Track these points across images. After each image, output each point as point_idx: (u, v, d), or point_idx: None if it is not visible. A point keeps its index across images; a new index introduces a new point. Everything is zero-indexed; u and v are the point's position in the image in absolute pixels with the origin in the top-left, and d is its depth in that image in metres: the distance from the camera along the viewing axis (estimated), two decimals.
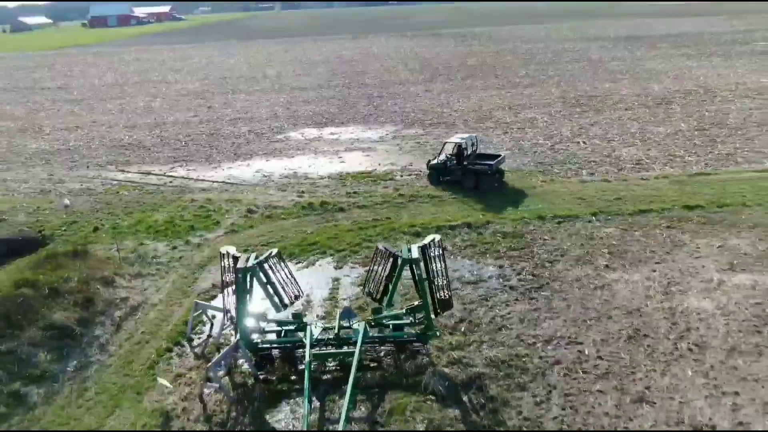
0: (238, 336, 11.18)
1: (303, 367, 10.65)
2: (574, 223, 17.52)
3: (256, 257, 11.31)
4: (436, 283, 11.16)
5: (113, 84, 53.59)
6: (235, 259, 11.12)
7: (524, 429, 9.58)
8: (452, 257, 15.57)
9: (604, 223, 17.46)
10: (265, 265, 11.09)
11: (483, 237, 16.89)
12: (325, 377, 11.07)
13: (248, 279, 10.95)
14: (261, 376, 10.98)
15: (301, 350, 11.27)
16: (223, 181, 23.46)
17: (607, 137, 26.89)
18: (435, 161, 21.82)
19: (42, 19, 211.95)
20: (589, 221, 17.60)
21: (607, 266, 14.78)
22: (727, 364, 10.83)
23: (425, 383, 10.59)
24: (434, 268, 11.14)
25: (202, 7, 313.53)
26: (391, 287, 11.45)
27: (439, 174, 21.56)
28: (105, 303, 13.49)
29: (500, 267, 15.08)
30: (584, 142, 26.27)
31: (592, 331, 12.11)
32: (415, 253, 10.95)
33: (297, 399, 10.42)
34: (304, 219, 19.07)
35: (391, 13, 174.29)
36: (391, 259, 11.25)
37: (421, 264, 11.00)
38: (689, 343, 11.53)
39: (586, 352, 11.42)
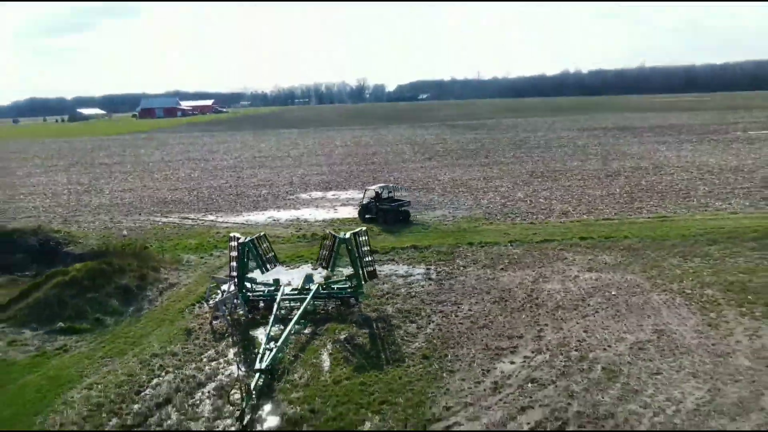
0: (236, 289, 17.55)
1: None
2: (493, 247, 23.69)
3: (254, 237, 17.92)
4: (363, 259, 17.49)
5: (160, 161, 62.75)
6: (237, 239, 17.70)
7: (424, 356, 15.50)
8: (396, 263, 21.87)
9: (515, 247, 23.60)
10: (256, 242, 17.64)
11: (423, 254, 23.15)
12: (289, 316, 17.19)
13: (244, 250, 17.46)
14: (249, 315, 17.22)
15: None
16: (242, 223, 30.45)
17: (550, 198, 33.33)
18: (362, 203, 29.85)
19: (97, 111, 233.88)
20: (504, 246, 23.77)
21: (502, 269, 20.82)
22: (548, 314, 16.63)
23: (351, 318, 16.68)
24: (362, 249, 17.51)
25: (243, 101, 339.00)
26: (333, 258, 17.82)
27: (365, 212, 29.39)
28: (153, 279, 20.13)
29: (427, 269, 21.24)
30: (530, 201, 32.73)
31: (473, 299, 18.03)
32: (347, 236, 17.40)
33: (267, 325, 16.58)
34: (297, 243, 25.73)
35: (414, 108, 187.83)
36: (332, 239, 17.74)
37: (353, 245, 17.40)
38: (532, 304, 17.38)
39: (462, 307, 17.32)
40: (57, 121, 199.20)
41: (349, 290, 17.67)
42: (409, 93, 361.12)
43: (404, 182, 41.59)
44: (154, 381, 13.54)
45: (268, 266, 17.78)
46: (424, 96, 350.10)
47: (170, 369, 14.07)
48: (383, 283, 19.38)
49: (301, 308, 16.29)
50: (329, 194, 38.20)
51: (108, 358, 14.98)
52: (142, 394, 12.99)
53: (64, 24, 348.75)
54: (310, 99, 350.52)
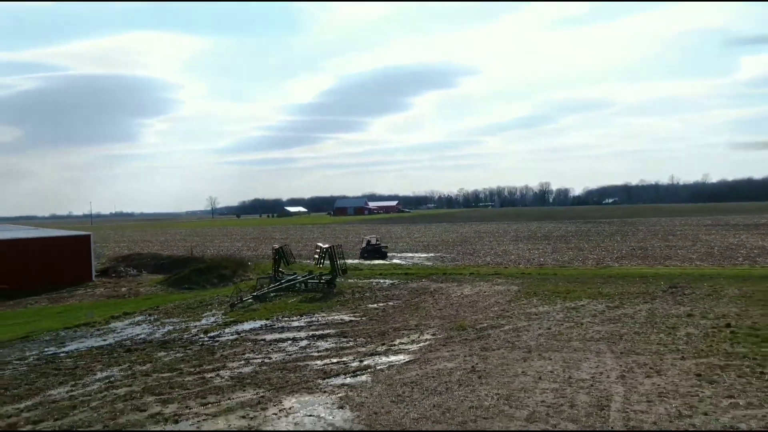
0: (275, 276, 30.73)
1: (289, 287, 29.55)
2: (442, 275, 33.78)
3: (280, 246, 31.20)
4: (338, 261, 29.59)
5: (319, 236, 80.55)
6: (275, 248, 31.09)
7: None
8: (374, 278, 33.31)
9: (503, 278, 33.40)
10: (282, 249, 30.81)
11: (394, 274, 34.18)
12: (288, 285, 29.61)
13: (279, 253, 30.70)
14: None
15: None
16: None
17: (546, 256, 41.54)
18: (362, 247, 46.51)
19: (300, 209, 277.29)
20: (452, 275, 33.69)
21: (437, 281, 31.08)
22: (455, 302, 26.82)
23: (327, 291, 28.75)
24: (337, 255, 29.66)
25: (429, 204, 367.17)
26: (328, 261, 30.12)
27: (363, 254, 44.97)
28: (240, 274, 34.38)
29: (391, 282, 32.34)
30: (526, 259, 41.36)
31: (412, 294, 28.79)
32: (326, 246, 29.76)
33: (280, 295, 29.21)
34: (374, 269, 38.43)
35: (586, 210, 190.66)
36: (322, 249, 30.23)
37: (332, 252, 29.62)
38: (445, 297, 27.61)
39: (404, 296, 28.25)
40: (268, 216, 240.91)
41: (329, 278, 29.77)
42: (596, 197, 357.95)
43: (473, 253, 52.22)
44: (212, 300, 27.10)
45: (289, 261, 30.86)
46: (610, 200, 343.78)
47: (217, 298, 27.57)
48: (363, 284, 31.12)
49: (297, 282, 28.89)
50: (419, 253, 50.42)
51: (199, 296, 29.04)
52: (205, 303, 26.54)
53: (296, 138, 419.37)
54: (493, 202, 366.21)
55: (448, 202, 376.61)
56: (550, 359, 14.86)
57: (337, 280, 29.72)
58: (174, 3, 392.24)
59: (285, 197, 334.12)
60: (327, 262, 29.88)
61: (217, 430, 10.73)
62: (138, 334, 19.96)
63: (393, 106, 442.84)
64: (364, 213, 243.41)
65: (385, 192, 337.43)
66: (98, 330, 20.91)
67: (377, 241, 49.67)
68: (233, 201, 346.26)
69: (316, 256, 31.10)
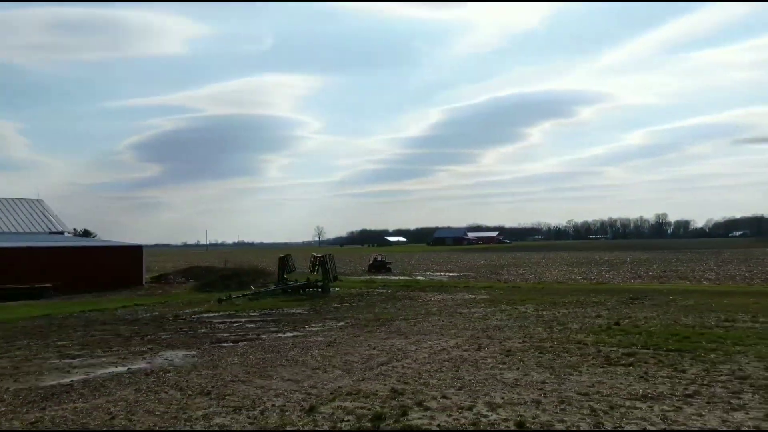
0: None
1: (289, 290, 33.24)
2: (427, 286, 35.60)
3: (285, 255, 35.00)
4: (330, 269, 32.83)
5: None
6: (280, 257, 35.00)
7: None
8: (380, 287, 35.91)
9: (475, 292, 35.05)
10: (286, 258, 34.60)
11: (393, 284, 36.52)
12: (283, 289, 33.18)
13: (281, 261, 34.58)
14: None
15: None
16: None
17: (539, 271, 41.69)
18: (369, 263, 54.84)
19: (399, 239, 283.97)
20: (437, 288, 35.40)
21: (423, 292, 33.13)
22: (407, 305, 29.13)
23: (327, 297, 32.05)
24: (329, 264, 32.90)
25: (537, 236, 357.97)
26: (319, 269, 33.46)
27: (370, 269, 51.88)
28: (259, 280, 38.69)
29: (386, 288, 34.81)
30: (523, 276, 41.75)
31: (382, 297, 31.32)
32: (319, 255, 33.09)
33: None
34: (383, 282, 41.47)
35: (699, 243, 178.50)
36: (314, 258, 33.62)
37: (325, 261, 32.91)
38: (409, 301, 29.90)
39: (374, 299, 30.89)
40: (368, 245, 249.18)
41: (321, 285, 33.02)
42: (721, 230, 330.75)
43: (494, 272, 53.16)
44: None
45: (290, 270, 34.61)
46: (738, 233, 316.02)
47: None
48: (355, 291, 34.02)
49: (291, 288, 32.52)
50: (443, 273, 52.48)
51: (212, 297, 33.53)
52: (207, 301, 30.90)
53: (408, 171, 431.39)
54: (606, 234, 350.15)
55: (557, 233, 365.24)
56: (408, 339, 17.12)
57: (331, 285, 33.01)
58: (294, 46, 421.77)
59: (392, 228, 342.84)
60: (311, 266, 33.64)
61: (90, 364, 14.43)
62: (127, 315, 24.47)
63: (505, 137, 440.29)
64: (462, 243, 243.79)
65: (493, 223, 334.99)
66: (105, 312, 25.68)
67: (382, 258, 59.40)
68: (342, 231, 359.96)
69: (311, 264, 34.64)
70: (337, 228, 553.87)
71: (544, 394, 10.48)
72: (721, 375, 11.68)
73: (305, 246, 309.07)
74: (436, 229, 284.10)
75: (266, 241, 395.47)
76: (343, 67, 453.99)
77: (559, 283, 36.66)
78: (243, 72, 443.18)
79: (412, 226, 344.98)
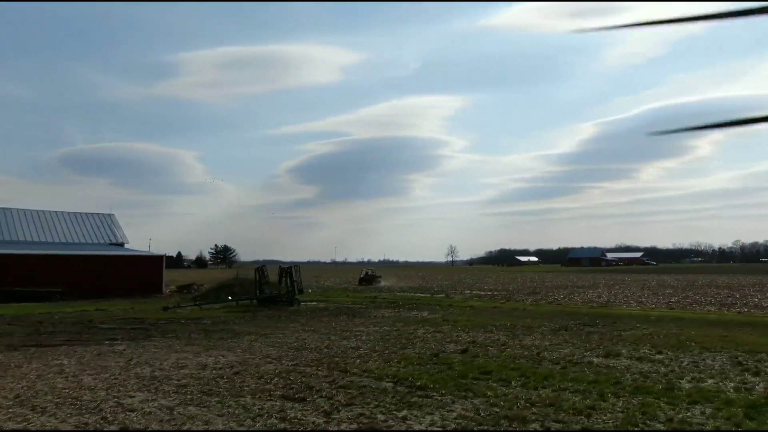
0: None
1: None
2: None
3: (261, 266, 34.35)
4: (297, 281, 31.56)
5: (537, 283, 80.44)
6: (257, 269, 34.46)
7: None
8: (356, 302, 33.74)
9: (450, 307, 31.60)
10: (261, 269, 33.95)
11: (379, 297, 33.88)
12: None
13: (257, 273, 34.01)
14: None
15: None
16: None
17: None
18: (360, 277, 62.58)
19: (530, 258, 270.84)
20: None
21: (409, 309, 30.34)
22: (342, 322, 26.96)
23: (295, 307, 30.98)
24: (296, 276, 31.63)
25: (693, 258, 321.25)
26: (287, 280, 32.33)
27: (361, 281, 59.53)
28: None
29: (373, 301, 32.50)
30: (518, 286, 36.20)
31: (327, 312, 29.32)
32: (287, 267, 31.93)
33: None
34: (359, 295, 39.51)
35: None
36: (282, 270, 32.47)
37: (291, 272, 31.73)
38: (359, 318, 27.64)
39: (320, 314, 29.07)
40: (498, 265, 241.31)
41: (287, 296, 31.87)
42: None
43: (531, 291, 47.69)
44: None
45: (267, 281, 33.89)
46: None
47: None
48: (323, 305, 32.37)
49: (265, 297, 31.85)
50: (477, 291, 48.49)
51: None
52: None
53: (557, 189, 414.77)
54: None
55: (720, 256, 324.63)
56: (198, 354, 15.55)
57: (297, 298, 31.85)
58: (439, 68, 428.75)
59: (533, 248, 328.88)
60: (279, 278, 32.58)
61: None
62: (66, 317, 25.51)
63: (666, 150, 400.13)
64: (600, 264, 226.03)
65: (647, 244, 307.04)
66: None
67: (372, 272, 67.17)
68: (480, 251, 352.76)
69: (279, 277, 33.61)
70: (475, 247, 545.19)
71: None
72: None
73: (434, 265, 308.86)
74: (584, 249, 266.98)
75: (411, 259, 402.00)
76: (487, 86, 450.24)
77: (559, 305, 31.79)
78: (390, 95, 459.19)
79: (555, 246, 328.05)
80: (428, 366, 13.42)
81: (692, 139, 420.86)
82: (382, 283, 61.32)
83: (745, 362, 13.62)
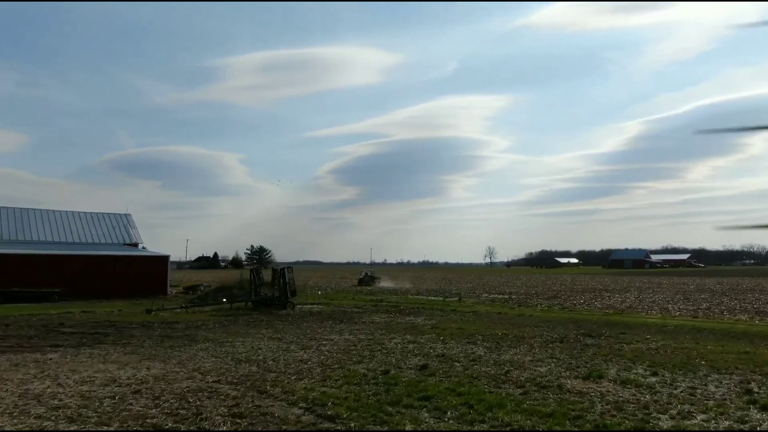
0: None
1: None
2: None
3: (256, 266, 32.68)
4: (290, 284, 29.79)
5: (539, 282, 77.39)
6: (251, 269, 32.82)
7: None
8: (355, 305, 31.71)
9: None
10: (254, 271, 32.30)
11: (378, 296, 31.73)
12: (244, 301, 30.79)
13: (251, 273, 32.41)
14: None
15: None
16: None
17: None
18: (359, 278, 65.39)
19: (570, 260, 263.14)
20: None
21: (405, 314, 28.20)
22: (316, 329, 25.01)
23: (287, 311, 29.26)
24: (289, 278, 29.85)
25: (748, 260, 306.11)
26: (280, 282, 30.58)
27: (360, 282, 62.12)
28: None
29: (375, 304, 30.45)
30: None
31: (314, 314, 27.39)
32: (280, 269, 30.18)
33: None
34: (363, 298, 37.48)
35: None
36: (276, 272, 30.74)
37: (283, 275, 29.98)
38: (347, 320, 25.67)
39: (307, 317, 27.19)
40: (537, 267, 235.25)
41: (280, 299, 30.13)
42: None
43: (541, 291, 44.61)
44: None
45: (262, 281, 32.24)
46: None
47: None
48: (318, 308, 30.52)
49: (257, 300, 30.23)
50: (497, 296, 45.82)
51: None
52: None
53: (601, 189, 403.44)
54: None
55: None
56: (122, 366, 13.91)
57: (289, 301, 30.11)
58: (478, 67, 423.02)
59: (575, 249, 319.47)
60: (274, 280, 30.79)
61: None
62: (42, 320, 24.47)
63: (716, 148, 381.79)
64: (643, 266, 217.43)
65: (696, 245, 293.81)
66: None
67: (371, 273, 68.77)
68: (520, 252, 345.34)
69: (272, 278, 31.88)
70: (515, 249, 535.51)
71: None
72: None
73: (473, 267, 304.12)
74: (624, 250, 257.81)
75: (452, 260, 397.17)
76: (529, 85, 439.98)
77: (572, 311, 29.03)
78: (428, 96, 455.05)
79: (598, 247, 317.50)
80: (365, 386, 11.34)
81: (744, 136, 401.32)
82: (382, 284, 61.97)
83: (756, 390, 11.00)
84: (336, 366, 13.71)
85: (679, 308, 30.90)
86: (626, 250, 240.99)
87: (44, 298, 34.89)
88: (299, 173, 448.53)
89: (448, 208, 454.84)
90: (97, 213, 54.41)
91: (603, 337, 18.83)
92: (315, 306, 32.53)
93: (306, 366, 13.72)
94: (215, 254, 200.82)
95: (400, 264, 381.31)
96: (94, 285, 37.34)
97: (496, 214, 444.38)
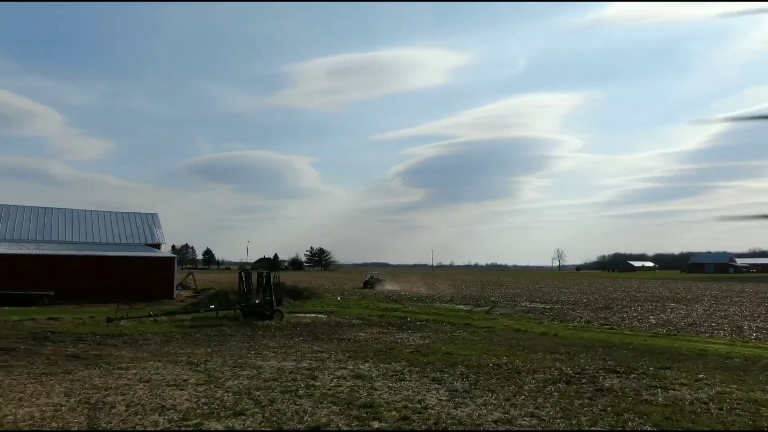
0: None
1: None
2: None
3: (247, 270, 28.85)
4: (275, 289, 25.77)
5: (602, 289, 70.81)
6: (240, 273, 29.03)
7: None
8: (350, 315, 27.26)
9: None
10: (248, 274, 28.48)
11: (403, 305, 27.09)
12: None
13: (240, 276, 28.63)
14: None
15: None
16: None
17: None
18: (364, 280, 66.40)
19: (646, 263, 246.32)
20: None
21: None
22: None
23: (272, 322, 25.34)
24: (274, 284, 25.85)
25: None
26: (266, 289, 26.58)
27: (365, 285, 63.07)
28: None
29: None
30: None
31: (303, 325, 23.15)
32: (265, 273, 26.17)
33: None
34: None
35: None
36: (261, 276, 26.75)
37: (269, 280, 25.99)
38: (327, 329, 21.35)
39: (289, 328, 23.03)
40: (609, 270, 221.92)
41: (268, 307, 26.15)
42: None
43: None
44: None
45: (251, 288, 28.38)
46: None
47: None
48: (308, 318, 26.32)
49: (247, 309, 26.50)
50: (534, 305, 40.12)
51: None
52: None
53: (682, 189, 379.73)
54: None
55: None
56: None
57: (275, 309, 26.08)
58: (549, 65, 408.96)
59: (652, 252, 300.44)
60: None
61: None
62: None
63: None
64: (727, 271, 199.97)
65: None
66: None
67: (375, 276, 69.23)
68: (593, 255, 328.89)
69: (257, 284, 27.89)
70: (588, 252, 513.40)
71: None
72: None
73: (542, 270, 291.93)
74: (705, 254, 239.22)
75: (521, 263, 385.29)
76: (603, 82, 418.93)
77: (611, 330, 23.32)
78: (496, 96, 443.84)
79: (677, 250, 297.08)
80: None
81: None
82: (386, 287, 62.34)
83: None
84: (190, 419, 9.40)
85: (757, 327, 24.57)
86: (708, 253, 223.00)
87: (32, 301, 32.66)
88: (368, 175, 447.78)
89: (518, 210, 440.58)
90: (123, 212, 52.83)
91: (634, 375, 13.56)
92: (310, 315, 28.45)
93: (137, 419, 9.44)
94: (275, 255, 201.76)
95: (468, 266, 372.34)
96: (90, 288, 34.87)
97: (568, 216, 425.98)
